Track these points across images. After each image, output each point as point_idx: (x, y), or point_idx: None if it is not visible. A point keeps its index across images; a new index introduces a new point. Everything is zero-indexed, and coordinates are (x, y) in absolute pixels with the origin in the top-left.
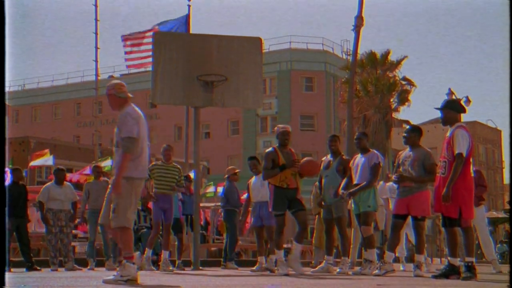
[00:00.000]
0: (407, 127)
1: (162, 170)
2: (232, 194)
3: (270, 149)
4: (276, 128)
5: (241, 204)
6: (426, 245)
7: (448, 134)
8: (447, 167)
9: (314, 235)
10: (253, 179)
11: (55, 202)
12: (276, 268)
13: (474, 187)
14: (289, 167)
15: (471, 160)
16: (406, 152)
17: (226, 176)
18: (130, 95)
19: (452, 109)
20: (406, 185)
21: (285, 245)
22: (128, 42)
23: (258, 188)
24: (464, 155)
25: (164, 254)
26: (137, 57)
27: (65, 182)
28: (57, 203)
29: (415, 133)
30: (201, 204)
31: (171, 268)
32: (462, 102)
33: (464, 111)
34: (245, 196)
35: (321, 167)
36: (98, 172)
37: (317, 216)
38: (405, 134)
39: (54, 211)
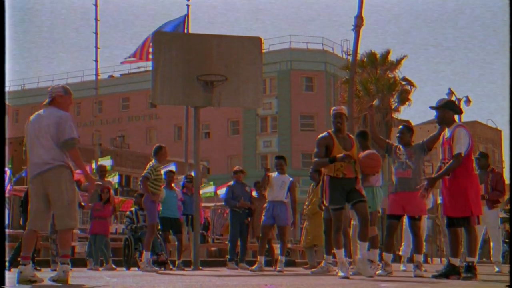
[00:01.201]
0: (401, 127)
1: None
2: (233, 193)
3: (324, 133)
4: (331, 110)
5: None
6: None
7: (447, 135)
8: None
9: (303, 237)
10: (275, 174)
11: None
12: (335, 268)
13: (491, 188)
14: (339, 161)
15: (473, 157)
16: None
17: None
18: (46, 100)
19: (451, 109)
20: (405, 177)
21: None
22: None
23: (278, 188)
24: (463, 154)
25: (146, 255)
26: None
27: None
28: None
29: (410, 132)
30: (201, 204)
31: (151, 268)
32: (463, 102)
33: (460, 112)
34: (254, 193)
35: None
36: (102, 171)
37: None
38: (398, 134)
39: None
